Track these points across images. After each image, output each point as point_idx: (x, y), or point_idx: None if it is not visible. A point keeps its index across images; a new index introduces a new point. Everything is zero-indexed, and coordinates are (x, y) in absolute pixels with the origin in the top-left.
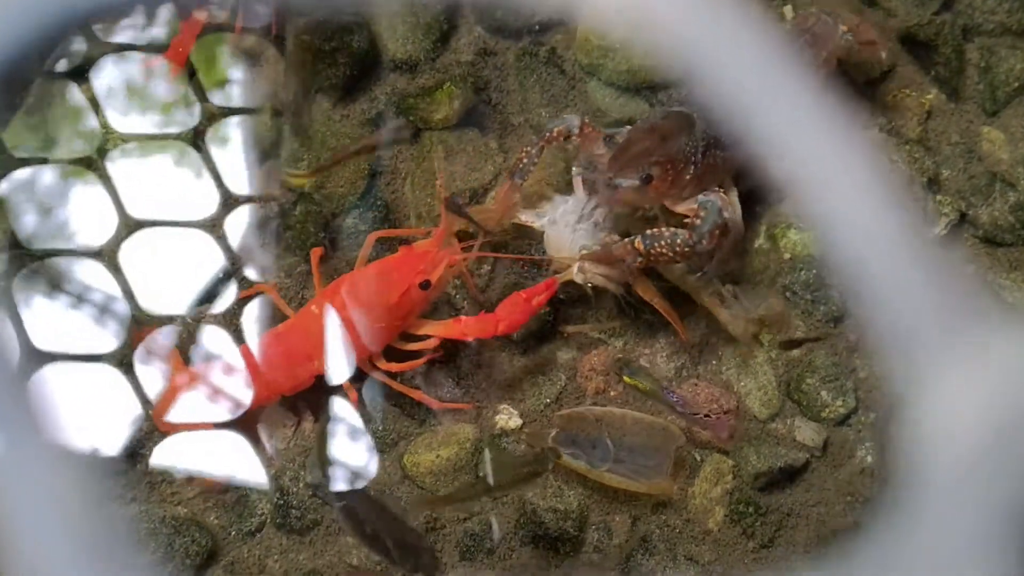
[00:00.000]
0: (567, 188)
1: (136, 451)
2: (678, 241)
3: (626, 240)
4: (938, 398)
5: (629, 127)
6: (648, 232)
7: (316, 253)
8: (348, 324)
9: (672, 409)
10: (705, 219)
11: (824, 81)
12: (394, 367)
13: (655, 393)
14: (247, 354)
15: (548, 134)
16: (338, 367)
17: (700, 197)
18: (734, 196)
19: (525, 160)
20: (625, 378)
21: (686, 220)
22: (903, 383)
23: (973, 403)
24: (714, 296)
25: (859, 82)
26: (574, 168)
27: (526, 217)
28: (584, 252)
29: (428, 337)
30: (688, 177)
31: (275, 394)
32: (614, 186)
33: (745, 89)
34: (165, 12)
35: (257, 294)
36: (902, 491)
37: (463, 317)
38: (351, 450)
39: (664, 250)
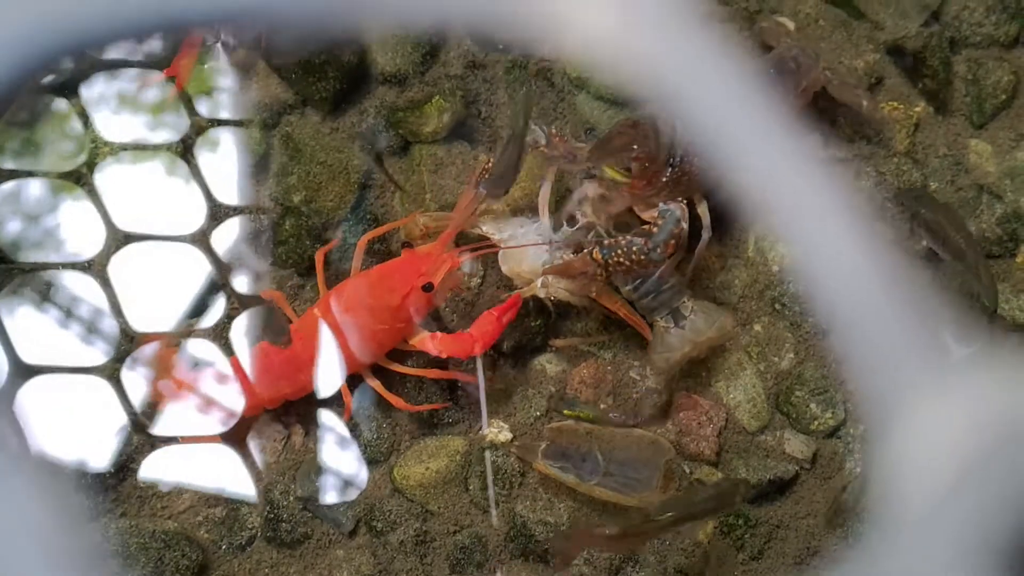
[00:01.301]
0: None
1: (126, 465)
2: (634, 249)
3: (584, 252)
4: (917, 422)
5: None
6: (605, 242)
7: (321, 254)
8: (351, 328)
9: (620, 426)
10: (662, 228)
11: (798, 111)
12: (398, 368)
13: (599, 419)
14: (237, 365)
15: None
16: (341, 371)
17: (661, 205)
18: (704, 208)
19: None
20: (565, 412)
21: (644, 226)
22: (881, 407)
23: (952, 427)
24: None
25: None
26: (541, 187)
27: (487, 228)
28: (546, 267)
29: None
30: (664, 179)
31: (277, 400)
32: (591, 176)
33: (720, 118)
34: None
35: (263, 301)
36: (880, 513)
37: (438, 334)
38: (340, 463)
39: (621, 259)
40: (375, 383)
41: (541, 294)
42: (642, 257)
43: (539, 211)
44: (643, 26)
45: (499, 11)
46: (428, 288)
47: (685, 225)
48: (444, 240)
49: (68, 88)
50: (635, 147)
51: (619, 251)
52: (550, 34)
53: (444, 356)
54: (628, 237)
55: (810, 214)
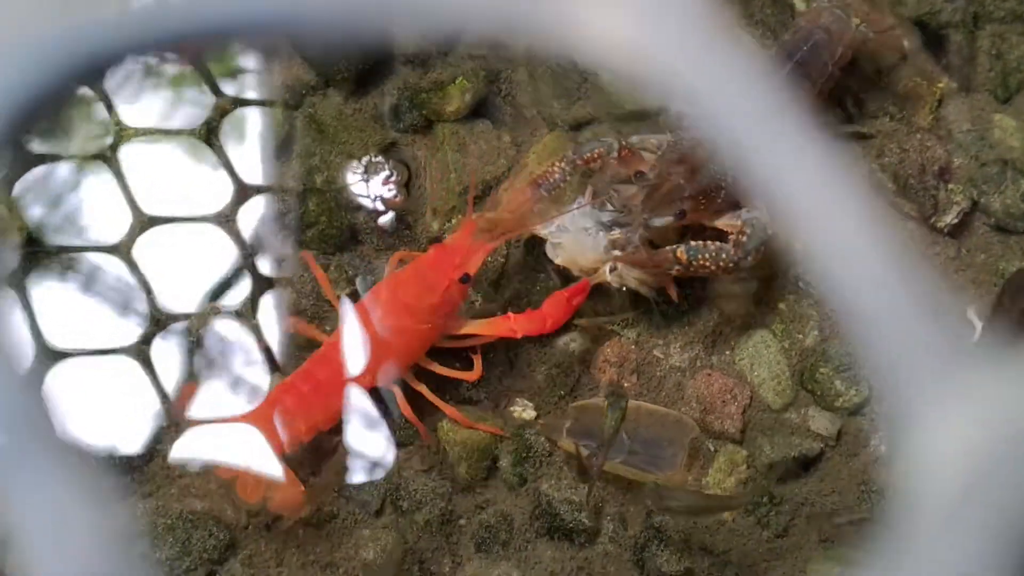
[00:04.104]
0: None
1: (154, 446)
2: (723, 256)
3: (667, 248)
4: (931, 423)
5: (658, 144)
6: (692, 244)
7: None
8: (394, 332)
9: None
10: (751, 237)
11: (837, 78)
12: (438, 369)
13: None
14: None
15: (588, 154)
16: (388, 377)
17: (744, 214)
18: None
19: (556, 176)
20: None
21: (730, 236)
22: (901, 396)
23: (968, 428)
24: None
25: (870, 72)
26: (591, 180)
27: (539, 228)
28: (618, 255)
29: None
30: (720, 200)
31: (334, 418)
32: (650, 226)
33: (739, 126)
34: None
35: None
36: (905, 494)
37: (512, 314)
38: (369, 444)
39: (707, 263)
40: (421, 387)
41: (614, 281)
42: (730, 264)
43: (584, 197)
44: (661, 30)
45: (517, 17)
46: (466, 280)
47: (771, 231)
48: (471, 229)
49: (92, 72)
50: (686, 188)
51: (706, 255)
52: (568, 39)
53: (519, 336)
54: (717, 243)
55: (828, 201)
